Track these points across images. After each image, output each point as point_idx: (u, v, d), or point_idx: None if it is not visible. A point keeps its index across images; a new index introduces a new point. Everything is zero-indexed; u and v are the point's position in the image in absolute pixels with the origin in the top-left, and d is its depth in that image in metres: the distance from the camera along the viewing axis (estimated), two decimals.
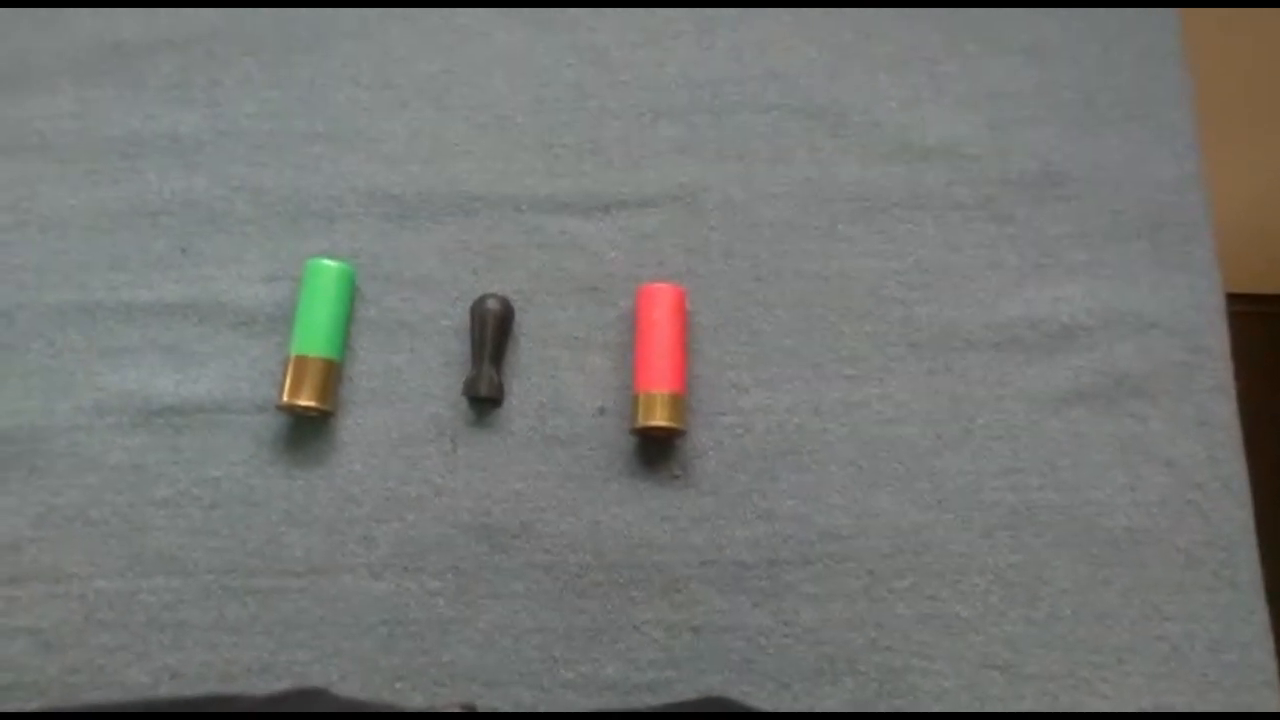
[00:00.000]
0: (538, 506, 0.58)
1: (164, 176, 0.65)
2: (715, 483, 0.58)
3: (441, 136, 0.66)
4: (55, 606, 0.56)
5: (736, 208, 0.64)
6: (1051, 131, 0.65)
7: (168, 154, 0.66)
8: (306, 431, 0.59)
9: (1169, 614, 0.55)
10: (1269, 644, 0.55)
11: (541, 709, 0.54)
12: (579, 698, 0.54)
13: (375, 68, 0.68)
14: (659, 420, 0.56)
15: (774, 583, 0.56)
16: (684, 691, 0.54)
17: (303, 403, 0.57)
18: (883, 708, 0.54)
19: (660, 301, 0.59)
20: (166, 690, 0.55)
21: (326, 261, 0.60)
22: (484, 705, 0.54)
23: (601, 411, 0.60)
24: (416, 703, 0.54)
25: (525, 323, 0.62)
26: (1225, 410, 0.59)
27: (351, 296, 0.62)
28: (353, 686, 0.54)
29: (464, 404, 0.60)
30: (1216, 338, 0.60)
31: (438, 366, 0.61)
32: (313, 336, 0.59)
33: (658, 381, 0.57)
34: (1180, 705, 0.53)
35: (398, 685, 0.55)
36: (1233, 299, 0.62)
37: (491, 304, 0.60)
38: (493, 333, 0.59)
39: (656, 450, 0.59)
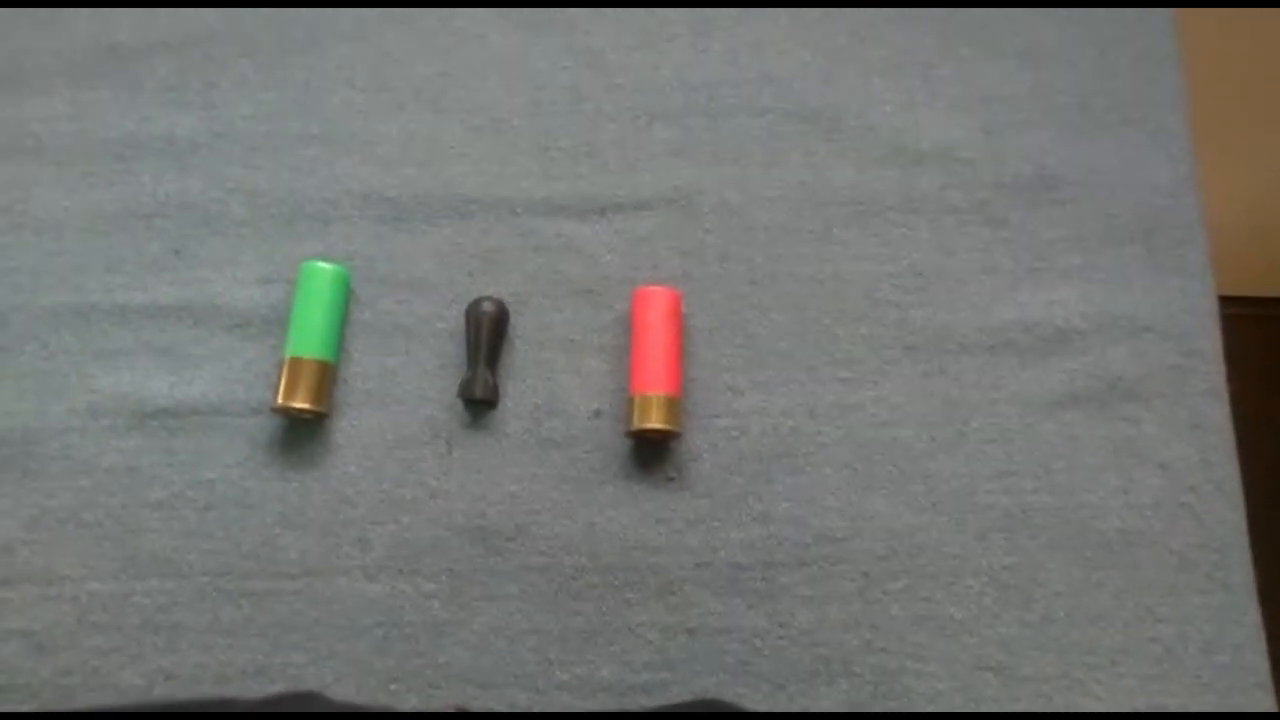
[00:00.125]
0: (533, 509, 0.58)
1: (159, 179, 0.65)
2: (710, 485, 0.58)
3: (437, 139, 0.66)
4: (48, 609, 0.56)
5: (732, 211, 0.64)
6: (1046, 135, 0.65)
7: (163, 156, 0.66)
8: (301, 434, 0.59)
9: (1162, 616, 0.55)
10: (1261, 645, 0.55)
11: (536, 711, 0.54)
12: (574, 699, 0.54)
13: (371, 70, 0.68)
14: (654, 423, 0.56)
15: (769, 585, 0.56)
16: (679, 693, 0.54)
17: (297, 405, 0.57)
18: (877, 709, 0.54)
19: (656, 304, 0.59)
20: (160, 693, 0.54)
21: (321, 264, 0.60)
22: (479, 707, 0.54)
23: (597, 414, 0.60)
24: (411, 704, 0.54)
25: (520, 325, 0.62)
26: (1218, 413, 0.59)
27: (346, 299, 0.62)
28: (348, 688, 0.54)
29: (459, 406, 0.60)
30: (1209, 341, 0.60)
31: (433, 369, 0.61)
32: (307, 339, 0.58)
33: (653, 384, 0.57)
34: (1173, 706, 0.54)
35: (392, 687, 0.55)
36: (1226, 302, 0.62)
37: (487, 306, 0.60)
38: (488, 335, 0.59)
39: (652, 453, 0.59)
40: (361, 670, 0.55)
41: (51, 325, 0.62)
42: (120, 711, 0.52)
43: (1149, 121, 0.65)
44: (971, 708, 0.54)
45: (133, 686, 0.55)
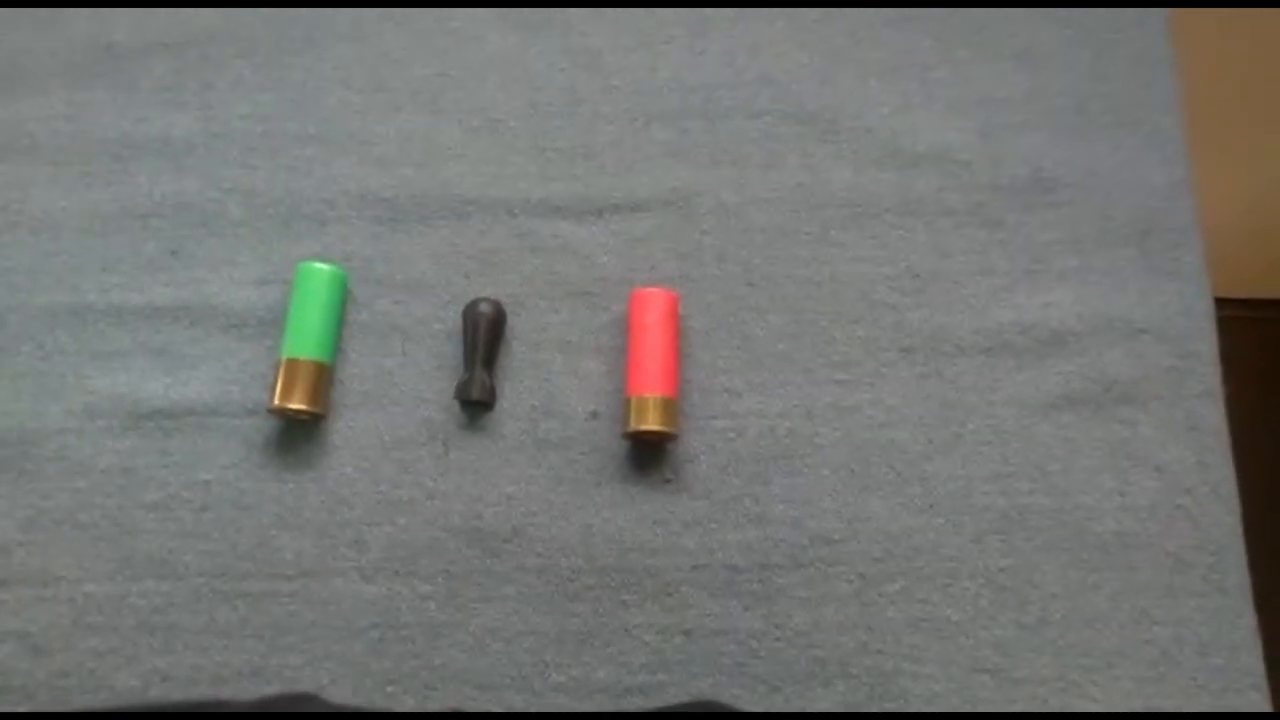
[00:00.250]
0: (529, 510, 0.58)
1: (155, 179, 0.65)
2: (707, 487, 0.58)
3: (434, 140, 0.66)
4: (44, 610, 0.56)
5: (729, 212, 0.64)
6: (1042, 138, 0.65)
7: (160, 156, 0.66)
8: (297, 435, 0.59)
9: (1158, 618, 0.55)
10: (1257, 648, 0.55)
11: (533, 712, 0.54)
12: (570, 701, 0.54)
13: (368, 71, 0.68)
14: (651, 424, 0.56)
15: (765, 586, 0.56)
16: (675, 695, 0.54)
17: (294, 406, 0.57)
18: (874, 711, 0.54)
19: (653, 306, 0.59)
20: (156, 694, 0.54)
21: (318, 264, 0.60)
22: (475, 709, 0.54)
23: (594, 415, 0.60)
24: (408, 706, 0.54)
25: (517, 326, 0.62)
26: (1214, 415, 0.59)
27: (343, 300, 0.62)
28: (344, 690, 0.54)
29: (456, 408, 0.60)
30: (1205, 343, 0.60)
31: (430, 370, 0.61)
32: (304, 340, 0.58)
33: (650, 386, 0.57)
34: (1169, 708, 0.54)
35: (389, 689, 0.55)
36: (1221, 304, 0.62)
37: (484, 308, 0.60)
38: (485, 336, 0.59)
39: (648, 454, 0.59)
40: (358, 672, 0.55)
41: (47, 325, 0.62)
42: (116, 712, 0.52)
43: (1145, 124, 0.65)
44: (967, 709, 0.54)
45: (129, 688, 0.54)
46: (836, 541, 0.57)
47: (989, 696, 0.54)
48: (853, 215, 0.64)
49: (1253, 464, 0.69)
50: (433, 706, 0.54)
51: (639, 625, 0.56)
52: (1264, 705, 0.54)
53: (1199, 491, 0.57)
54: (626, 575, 0.56)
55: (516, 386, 0.61)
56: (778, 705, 0.54)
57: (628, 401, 0.57)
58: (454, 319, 0.61)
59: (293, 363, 0.58)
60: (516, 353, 0.61)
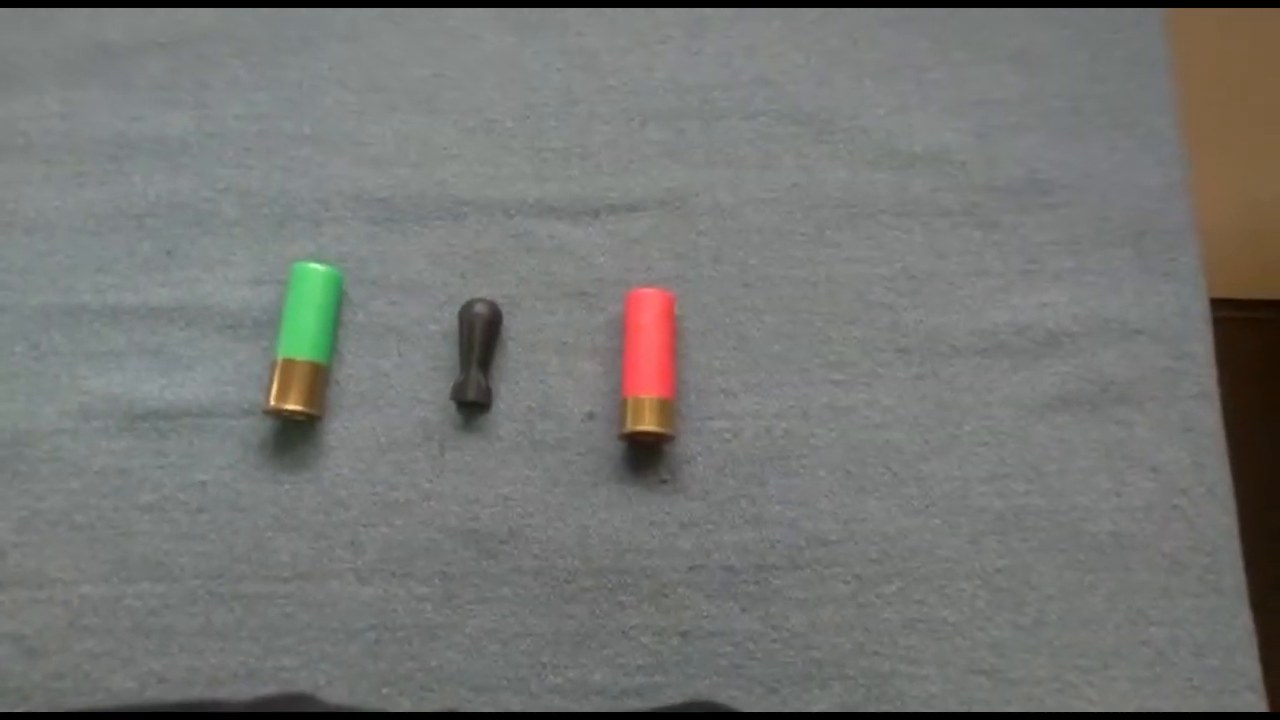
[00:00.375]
0: (526, 511, 0.58)
1: (150, 178, 0.65)
2: (704, 488, 0.58)
3: (430, 140, 0.66)
4: (39, 612, 0.56)
5: (725, 213, 0.64)
6: (1038, 139, 0.65)
7: (154, 156, 0.66)
8: (293, 436, 0.59)
9: (1154, 619, 0.55)
10: (1252, 648, 0.55)
11: (529, 712, 0.54)
12: (566, 703, 0.54)
13: (364, 71, 0.68)
14: (648, 425, 0.56)
15: (762, 588, 0.56)
16: (672, 696, 0.54)
17: (289, 407, 0.57)
18: (870, 712, 0.54)
19: (649, 306, 0.59)
20: (152, 696, 0.54)
21: (314, 265, 0.60)
22: (471, 710, 0.54)
23: (590, 416, 0.60)
24: (404, 708, 0.54)
25: (513, 327, 0.62)
26: (1210, 416, 0.59)
27: (339, 300, 0.62)
28: (340, 692, 0.54)
29: (452, 409, 0.60)
30: (1201, 344, 0.60)
31: (425, 371, 0.61)
32: (300, 340, 0.58)
33: (646, 386, 0.57)
34: (1165, 709, 0.54)
35: (385, 691, 0.54)
36: (1218, 304, 0.62)
37: (480, 308, 0.60)
38: (481, 337, 0.59)
39: (645, 455, 0.59)
40: (353, 673, 0.55)
41: (42, 326, 0.61)
42: (112, 713, 0.52)
43: (1141, 125, 0.65)
44: (964, 710, 0.54)
45: (124, 690, 0.54)
46: (833, 542, 0.57)
47: (985, 697, 0.54)
48: (848, 216, 0.64)
49: (1249, 465, 0.69)
50: (429, 708, 0.54)
51: (636, 627, 0.56)
52: (1260, 706, 0.54)
53: (1195, 492, 0.58)
54: (623, 576, 0.56)
55: (512, 387, 0.60)
56: (774, 706, 0.54)
57: (624, 402, 0.57)
58: (450, 320, 0.61)
59: (288, 363, 0.58)
60: (512, 353, 0.61)
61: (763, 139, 0.65)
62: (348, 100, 0.67)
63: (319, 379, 0.59)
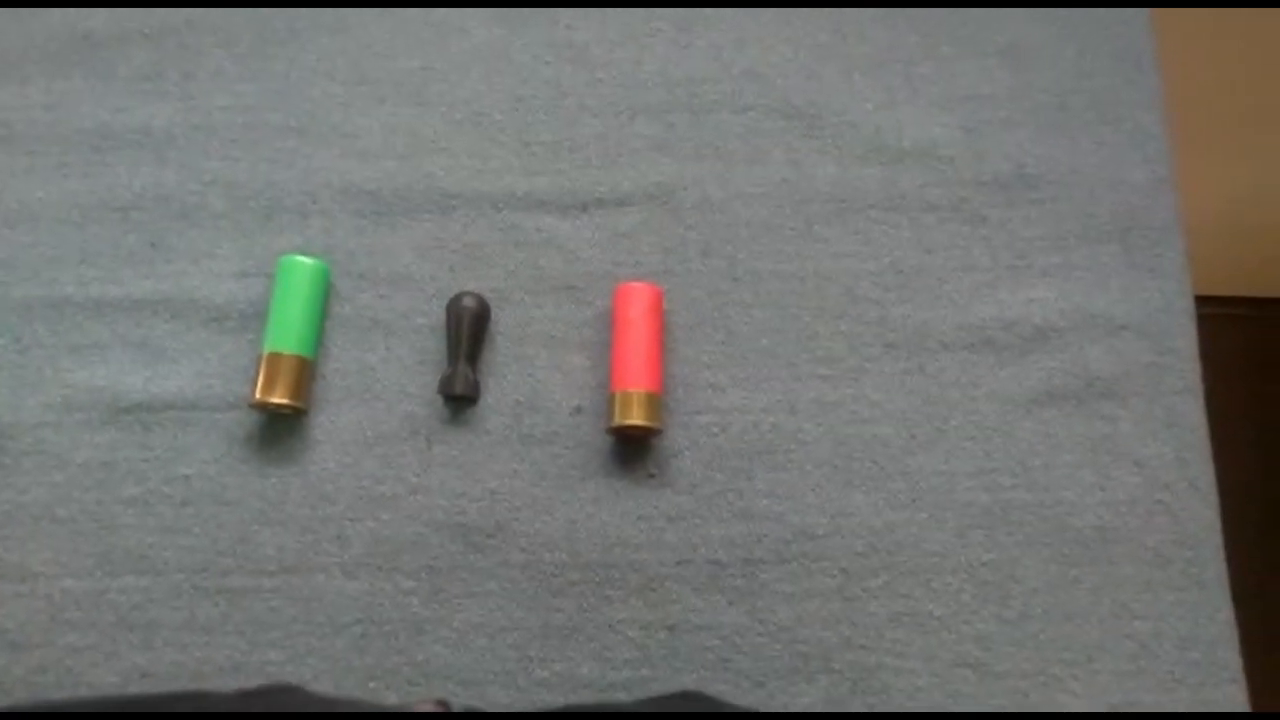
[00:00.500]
0: (513, 505, 0.58)
1: (135, 170, 0.64)
2: (691, 482, 0.58)
3: (418, 133, 0.66)
4: (21, 606, 0.55)
5: (713, 207, 0.64)
6: (1025, 134, 0.65)
7: (139, 147, 0.65)
8: (279, 429, 0.59)
9: (1138, 612, 0.56)
10: (1234, 642, 0.56)
11: (516, 708, 0.54)
12: (554, 696, 0.54)
13: (351, 62, 0.67)
14: (635, 419, 0.56)
15: (749, 581, 0.56)
16: (659, 690, 0.54)
17: (275, 400, 0.57)
18: (856, 705, 0.54)
19: (637, 300, 0.59)
20: (136, 691, 0.54)
21: (300, 258, 0.60)
22: (458, 704, 0.54)
23: (578, 410, 0.60)
24: (390, 702, 0.54)
25: (501, 321, 0.62)
26: (1194, 411, 0.59)
27: (325, 293, 0.61)
28: (326, 686, 0.54)
29: (439, 402, 0.60)
30: (1186, 340, 0.61)
31: (413, 364, 0.60)
32: (286, 334, 0.58)
33: (634, 380, 0.57)
34: (1148, 702, 0.54)
35: (371, 685, 0.54)
36: (1203, 301, 0.63)
37: (468, 302, 0.60)
38: (469, 331, 0.59)
39: (632, 449, 0.59)
40: (340, 668, 0.54)
41: (25, 318, 0.61)
42: (98, 707, 0.51)
43: (1127, 121, 0.66)
44: (949, 704, 0.54)
45: (107, 684, 0.54)
46: (820, 536, 0.57)
47: (971, 691, 0.54)
48: (837, 211, 0.64)
49: (1231, 459, 0.69)
50: (415, 699, 0.54)
51: (623, 620, 0.56)
52: (1241, 699, 0.55)
53: (1178, 487, 0.58)
54: (610, 570, 0.56)
55: (500, 381, 0.60)
56: (761, 700, 0.54)
57: (612, 396, 0.57)
58: (437, 313, 0.61)
59: (274, 357, 0.57)
60: (500, 347, 0.61)
61: (752, 133, 0.65)
62: (335, 92, 0.66)
63: (305, 372, 0.58)
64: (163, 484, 0.58)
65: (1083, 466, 0.58)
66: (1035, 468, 0.58)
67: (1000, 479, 0.58)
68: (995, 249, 0.63)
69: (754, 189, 0.64)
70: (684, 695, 0.53)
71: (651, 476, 0.58)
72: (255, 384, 0.57)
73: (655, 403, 0.57)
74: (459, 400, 0.59)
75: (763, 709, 0.54)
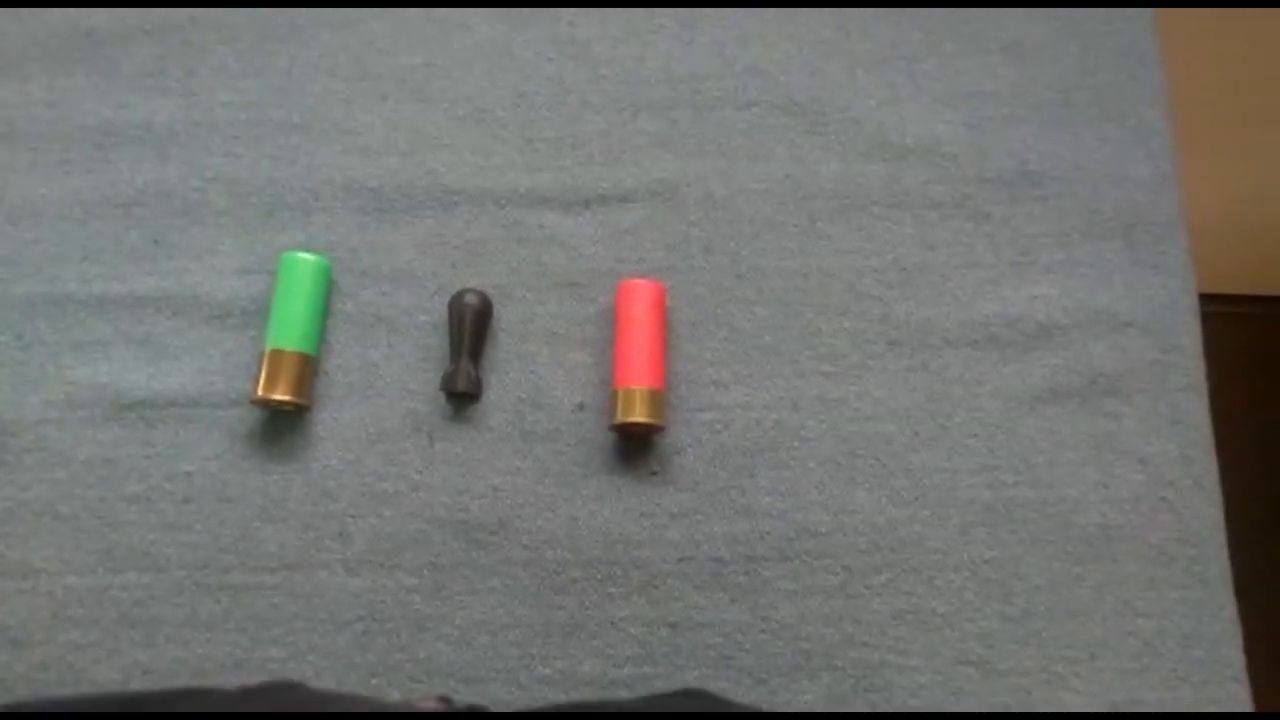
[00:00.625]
0: (515, 502, 0.58)
1: (137, 167, 0.64)
2: (694, 479, 0.58)
3: (420, 129, 0.65)
4: (23, 603, 0.55)
5: (716, 204, 0.64)
6: (1029, 131, 0.65)
7: (141, 144, 0.65)
8: (281, 426, 0.59)
9: (1141, 610, 0.56)
10: (1238, 640, 0.55)
11: (518, 705, 0.54)
12: (556, 694, 0.54)
13: (353, 59, 0.67)
14: (638, 416, 0.56)
15: (751, 579, 0.56)
16: (661, 687, 0.54)
17: (278, 397, 0.57)
18: (859, 703, 0.54)
19: (640, 297, 0.59)
20: (138, 687, 0.54)
21: (302, 255, 0.60)
22: (461, 701, 0.54)
23: (580, 407, 0.60)
24: (393, 700, 0.54)
25: (504, 318, 0.61)
26: (1198, 409, 0.59)
27: (328, 290, 0.61)
28: (327, 683, 0.54)
29: (441, 399, 0.60)
30: (1190, 337, 0.61)
31: (415, 361, 0.60)
32: (288, 330, 0.58)
33: (637, 377, 0.57)
34: (1151, 700, 0.54)
35: (373, 682, 0.54)
36: (1206, 299, 0.63)
37: (470, 299, 0.59)
38: (471, 328, 0.59)
39: (635, 446, 0.59)
40: (342, 665, 0.54)
41: (27, 315, 0.61)
42: (100, 704, 0.51)
43: (1130, 117, 0.65)
44: (952, 702, 0.54)
45: (109, 681, 0.54)
46: (823, 534, 0.57)
47: (973, 688, 0.54)
48: (840, 207, 0.64)
49: (1235, 457, 0.69)
50: (417, 696, 0.54)
51: (625, 618, 0.56)
52: (1244, 697, 0.55)
53: (1182, 484, 0.58)
54: (612, 568, 0.56)
55: (502, 378, 0.60)
56: (763, 697, 0.54)
57: (614, 393, 0.57)
58: (440, 310, 0.61)
59: (276, 353, 0.57)
60: (503, 344, 0.61)
61: (755, 130, 0.65)
62: (337, 88, 0.66)
63: (307, 369, 0.58)
64: (165, 481, 0.58)
65: (1086, 464, 0.58)
66: (1038, 465, 0.58)
67: (1003, 476, 0.58)
68: (999, 246, 0.63)
69: (757, 185, 0.64)
70: (686, 693, 0.53)
71: (654, 474, 0.58)
72: (257, 381, 0.57)
73: (658, 400, 0.57)
74: (461, 397, 0.59)
75: (765, 706, 0.54)
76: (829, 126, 0.65)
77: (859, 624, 0.55)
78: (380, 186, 0.64)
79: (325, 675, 0.54)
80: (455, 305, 0.60)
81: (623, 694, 0.54)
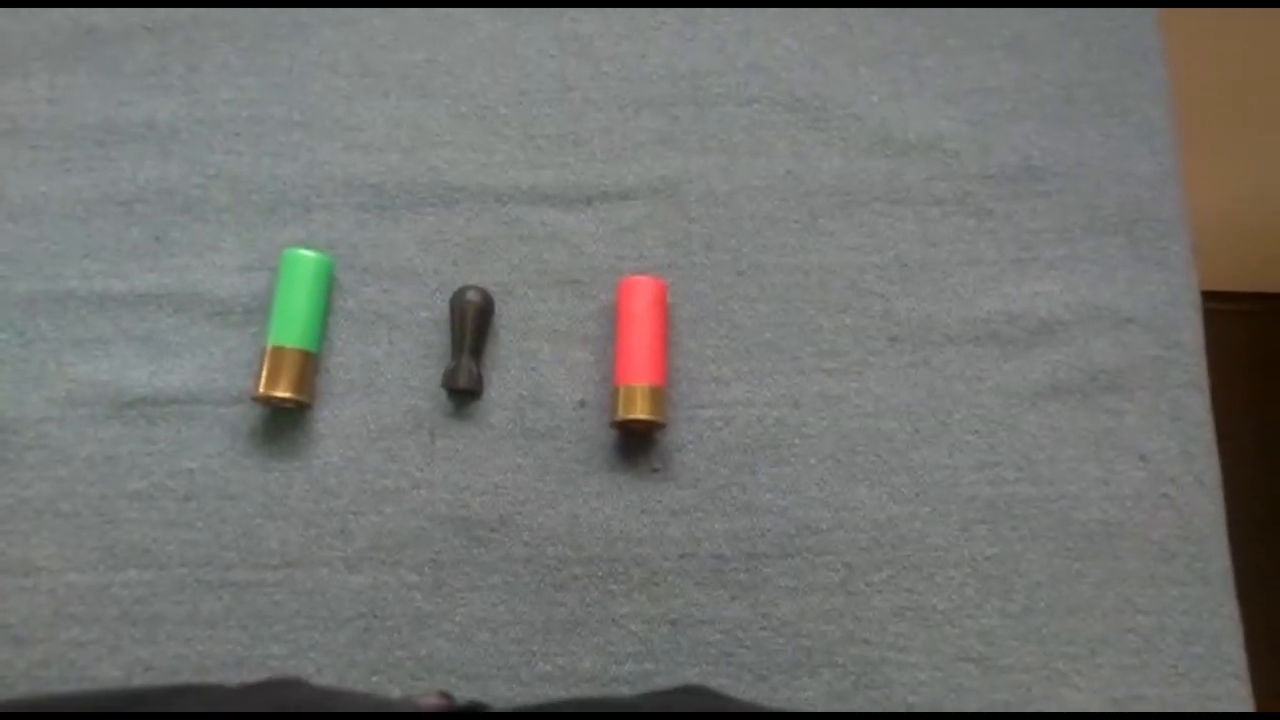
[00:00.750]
0: (516, 499, 0.58)
1: (139, 164, 0.64)
2: (695, 476, 0.58)
3: (422, 126, 0.65)
4: (25, 600, 0.55)
5: (718, 200, 0.64)
6: (1031, 127, 0.65)
7: (143, 141, 0.65)
8: (283, 423, 0.59)
9: (1141, 607, 0.56)
10: (1238, 637, 0.55)
11: (519, 702, 0.54)
12: (556, 690, 0.54)
13: (355, 55, 0.67)
14: (639, 413, 0.56)
15: (752, 576, 0.56)
16: (662, 684, 0.54)
17: (279, 394, 0.57)
18: (859, 700, 0.54)
19: (641, 294, 0.59)
20: (139, 684, 0.54)
21: (304, 252, 0.60)
22: (461, 698, 0.54)
23: (581, 404, 0.60)
24: (394, 696, 0.54)
25: (505, 315, 0.61)
26: (1199, 406, 0.59)
27: (329, 287, 0.61)
28: (329, 680, 0.54)
29: (443, 396, 0.60)
30: (1191, 333, 0.60)
31: (416, 358, 0.60)
32: (289, 327, 0.58)
33: (638, 374, 0.57)
34: (1151, 697, 0.54)
35: (374, 679, 0.54)
36: (1209, 297, 0.63)
37: (471, 296, 0.59)
38: (472, 325, 0.59)
39: (636, 443, 0.59)
40: (343, 662, 0.55)
41: (28, 313, 0.61)
42: (103, 709, 0.51)
43: (1133, 114, 0.65)
44: (952, 698, 0.54)
45: (111, 678, 0.54)
46: (823, 531, 0.57)
47: (974, 685, 0.54)
48: (842, 204, 0.64)
49: (1236, 454, 0.69)
50: (418, 692, 0.54)
51: (626, 615, 0.56)
52: (1245, 694, 0.55)
53: (1183, 481, 0.58)
54: (613, 565, 0.56)
55: (504, 375, 0.60)
56: (764, 694, 0.54)
57: (616, 390, 0.57)
58: (441, 307, 0.61)
59: (278, 350, 0.57)
60: (504, 341, 0.61)
61: (756, 126, 0.65)
62: (339, 85, 0.66)
63: (309, 366, 0.58)
64: (166, 478, 0.58)
65: (1087, 460, 0.58)
66: (1039, 461, 0.58)
67: (1004, 473, 0.58)
68: (1000, 242, 0.62)
69: (758, 182, 0.64)
70: (687, 690, 0.53)
71: (655, 471, 0.58)
72: (259, 378, 0.57)
73: (659, 397, 0.57)
74: (462, 394, 0.59)
75: (765, 703, 0.54)
76: (831, 123, 0.65)
77: (859, 621, 0.55)
78: (382, 183, 0.64)
79: (326, 672, 0.54)
80: (457, 302, 0.60)
81: (623, 691, 0.54)
